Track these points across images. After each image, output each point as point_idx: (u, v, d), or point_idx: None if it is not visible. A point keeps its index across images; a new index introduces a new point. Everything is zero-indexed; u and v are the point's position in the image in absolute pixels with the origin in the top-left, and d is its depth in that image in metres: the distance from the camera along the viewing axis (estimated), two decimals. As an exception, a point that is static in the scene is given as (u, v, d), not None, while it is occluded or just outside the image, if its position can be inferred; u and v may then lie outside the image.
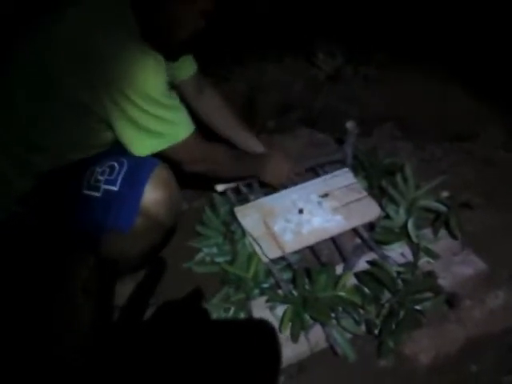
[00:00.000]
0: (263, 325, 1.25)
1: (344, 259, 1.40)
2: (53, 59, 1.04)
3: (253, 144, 1.62)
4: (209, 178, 1.40)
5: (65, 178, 1.15)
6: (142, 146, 1.12)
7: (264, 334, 1.24)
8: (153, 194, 1.12)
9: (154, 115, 1.08)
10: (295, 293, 1.28)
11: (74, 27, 1.04)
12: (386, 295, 1.27)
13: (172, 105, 1.13)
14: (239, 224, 1.47)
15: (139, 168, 1.13)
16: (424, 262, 1.37)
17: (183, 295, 1.34)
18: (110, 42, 1.02)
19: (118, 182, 1.11)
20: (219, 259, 1.43)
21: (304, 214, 1.50)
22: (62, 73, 1.03)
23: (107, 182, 1.11)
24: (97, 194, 1.11)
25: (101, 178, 1.12)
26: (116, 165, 1.13)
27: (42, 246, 1.21)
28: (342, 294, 1.26)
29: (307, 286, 1.28)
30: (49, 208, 1.16)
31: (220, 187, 1.58)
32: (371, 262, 1.36)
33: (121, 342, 1.25)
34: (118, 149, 1.18)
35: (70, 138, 1.14)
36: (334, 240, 1.46)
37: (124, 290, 1.31)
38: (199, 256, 1.47)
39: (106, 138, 1.17)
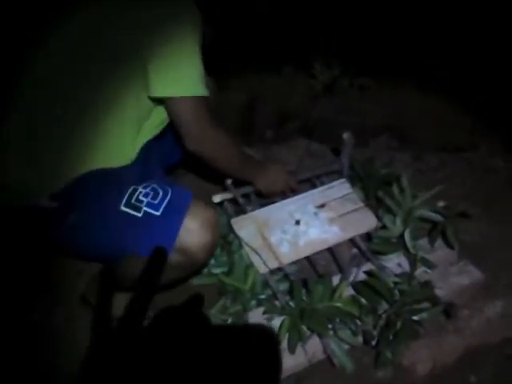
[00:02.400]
0: (263, 335, 1.25)
1: (341, 270, 1.40)
2: (104, 23, 1.10)
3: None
4: (206, 165, 1.34)
5: (101, 188, 1.13)
6: (162, 83, 1.14)
7: (265, 343, 1.24)
8: (198, 237, 1.08)
9: (186, 56, 1.14)
10: (292, 304, 1.28)
11: None
12: (383, 306, 1.27)
13: (199, 63, 1.18)
14: (236, 235, 1.48)
15: (180, 200, 1.11)
16: (421, 272, 1.37)
17: (180, 305, 1.33)
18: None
19: (162, 208, 1.08)
20: (216, 270, 1.42)
21: (300, 225, 1.50)
22: (112, 33, 1.10)
23: (150, 205, 1.08)
24: (137, 214, 1.08)
25: (143, 199, 1.09)
26: (160, 191, 1.10)
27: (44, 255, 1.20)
28: (339, 304, 1.26)
29: (304, 297, 1.28)
30: (75, 213, 1.12)
31: (217, 198, 1.58)
32: (368, 273, 1.36)
33: (119, 351, 1.24)
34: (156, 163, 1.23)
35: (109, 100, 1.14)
36: (330, 250, 1.47)
37: (122, 301, 1.31)
38: (196, 267, 1.47)
39: (146, 108, 1.20)
